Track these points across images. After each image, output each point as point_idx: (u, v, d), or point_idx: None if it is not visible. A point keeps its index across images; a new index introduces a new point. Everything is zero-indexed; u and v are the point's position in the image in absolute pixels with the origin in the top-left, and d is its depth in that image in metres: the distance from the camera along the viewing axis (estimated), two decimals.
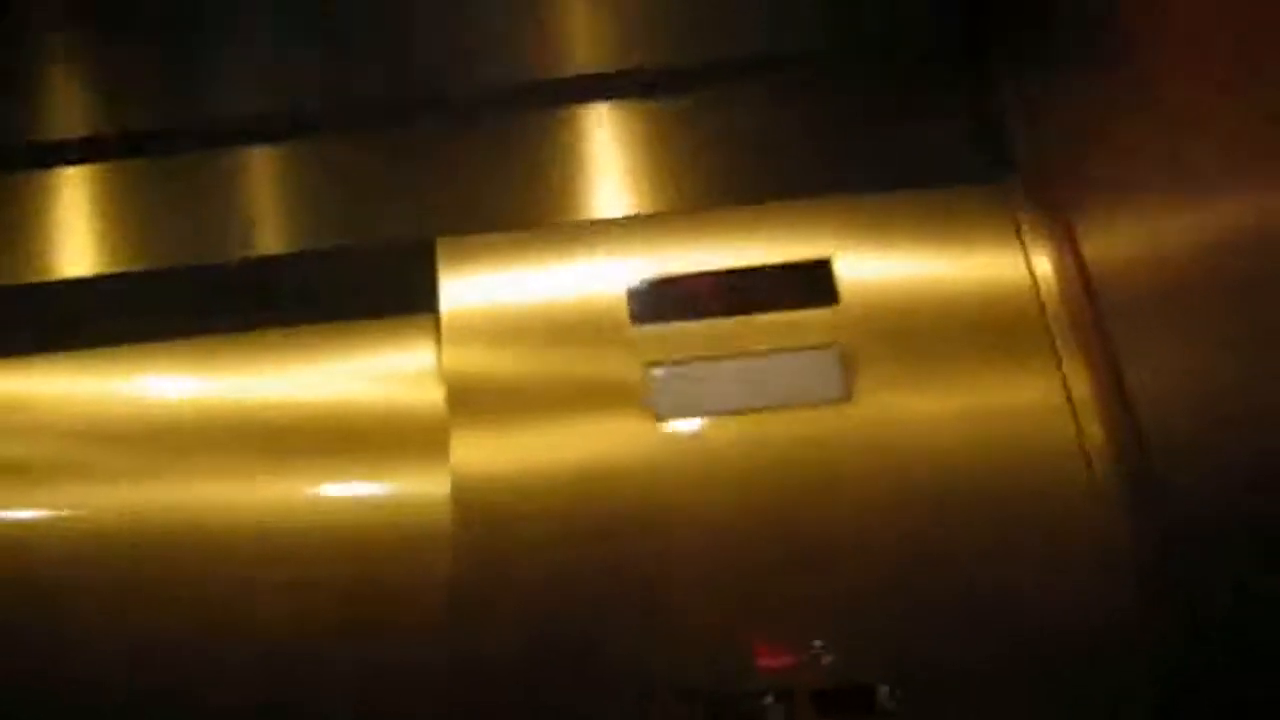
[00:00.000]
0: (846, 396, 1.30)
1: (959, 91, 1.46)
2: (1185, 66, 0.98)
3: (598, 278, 1.39)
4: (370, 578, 1.37)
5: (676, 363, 1.33)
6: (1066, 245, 1.30)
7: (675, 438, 1.29)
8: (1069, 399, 1.27)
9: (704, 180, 1.43)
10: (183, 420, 1.48)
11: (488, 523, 1.27)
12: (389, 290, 1.46)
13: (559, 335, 1.36)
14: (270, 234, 1.45)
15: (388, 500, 1.43)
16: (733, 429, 1.29)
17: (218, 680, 1.35)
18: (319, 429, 1.46)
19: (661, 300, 1.36)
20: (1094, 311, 1.25)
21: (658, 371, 1.33)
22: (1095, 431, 1.25)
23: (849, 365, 1.31)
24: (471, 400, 1.34)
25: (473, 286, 1.40)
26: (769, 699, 1.18)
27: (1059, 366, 1.29)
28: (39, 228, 1.49)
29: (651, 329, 1.35)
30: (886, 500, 1.24)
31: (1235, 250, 0.94)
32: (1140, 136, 1.09)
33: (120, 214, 1.48)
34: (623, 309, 1.36)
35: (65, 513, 1.45)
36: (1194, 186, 0.99)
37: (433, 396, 1.42)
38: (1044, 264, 1.34)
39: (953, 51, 1.46)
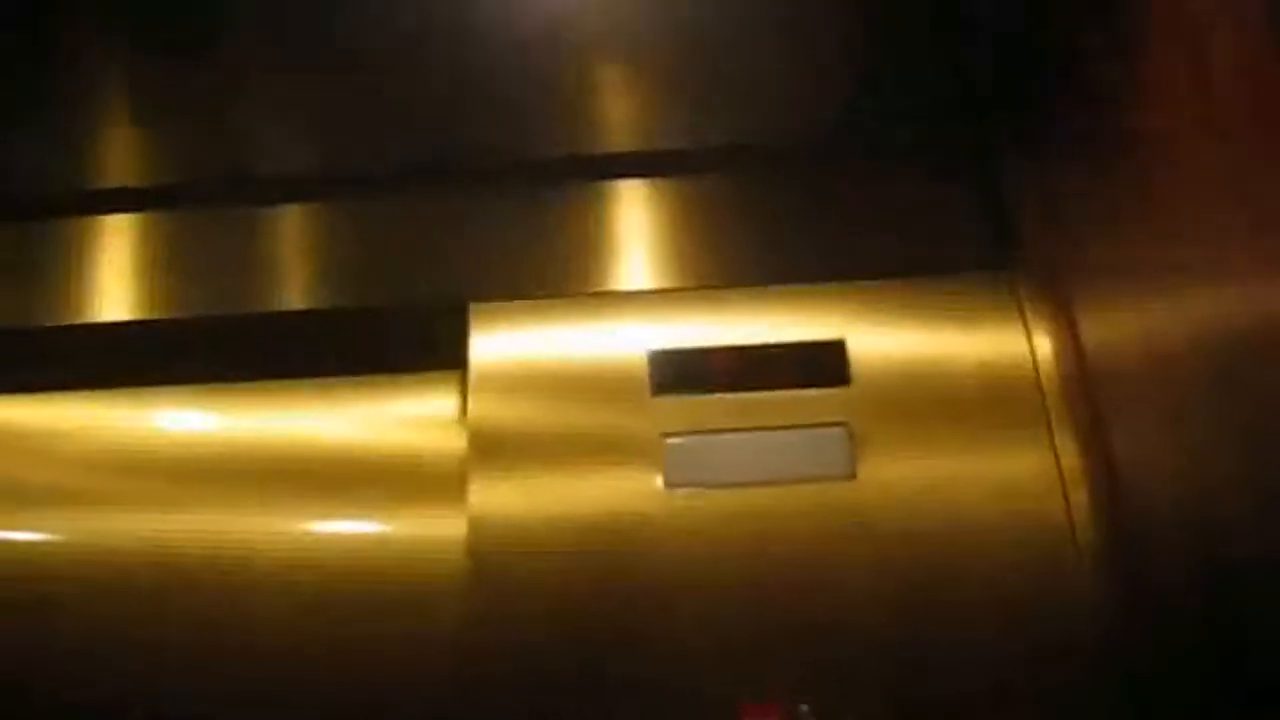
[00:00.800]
0: (852, 474, 1.34)
1: (968, 183, 1.53)
2: (1182, 166, 1.04)
3: (621, 347, 1.44)
4: (387, 610, 1.42)
5: (690, 433, 1.38)
6: (1066, 329, 1.36)
7: (683, 504, 1.34)
8: (1059, 471, 1.33)
9: (723, 260, 1.50)
10: (213, 458, 1.54)
11: (500, 563, 1.32)
12: (421, 347, 1.53)
13: (580, 397, 1.41)
14: (311, 289, 1.51)
15: (407, 538, 1.48)
16: (739, 500, 1.34)
17: (229, 713, 1.39)
18: (345, 472, 1.52)
19: (680, 372, 1.42)
20: (1088, 391, 1.31)
21: (672, 440, 1.38)
22: (1081, 501, 1.31)
23: (857, 444, 1.36)
24: (492, 449, 1.39)
25: (501, 345, 1.46)
26: None
27: (1051, 442, 1.35)
28: (86, 272, 1.56)
29: (669, 399, 1.40)
30: (881, 573, 1.29)
31: (1222, 341, 0.98)
32: (1138, 230, 1.14)
33: (169, 263, 1.55)
34: (643, 378, 1.42)
35: (89, 540, 1.50)
36: (1186, 279, 1.05)
37: (455, 445, 1.47)
38: (1044, 345, 1.41)
39: (962, 145, 1.54)
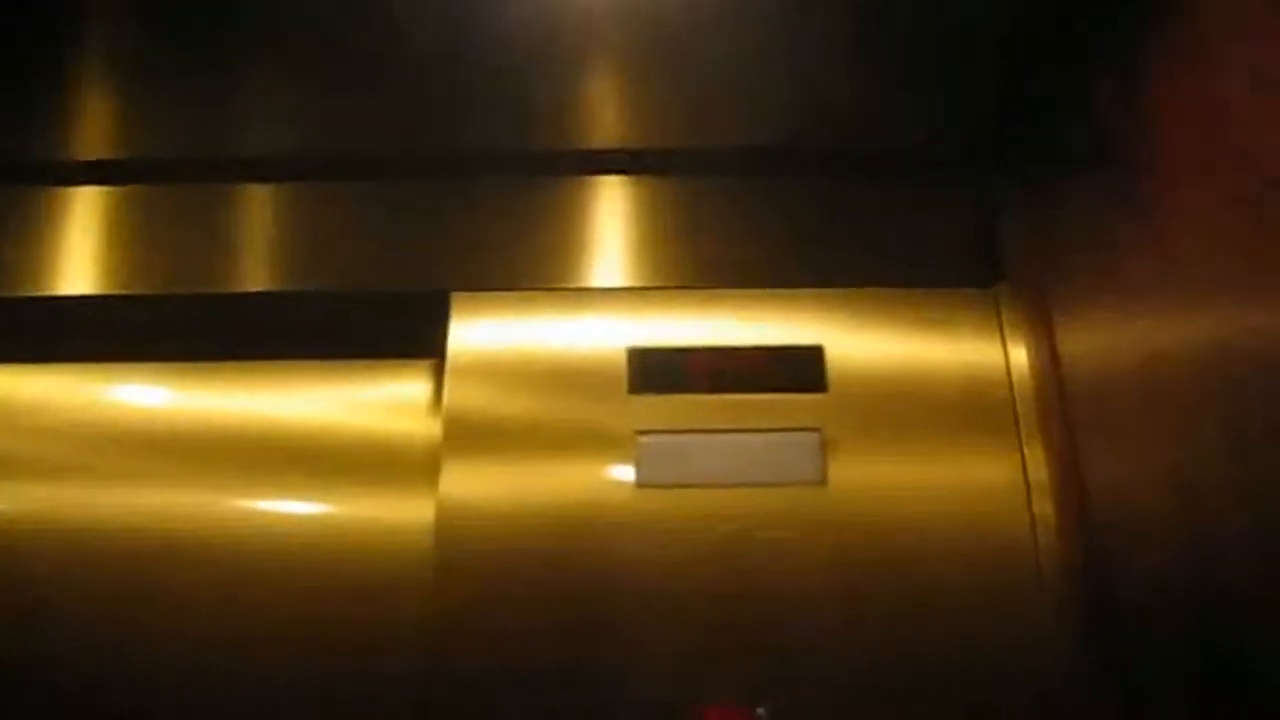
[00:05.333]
0: (823, 480, 1.35)
1: (957, 199, 1.54)
2: (1181, 188, 1.05)
3: (600, 343, 1.45)
4: (355, 590, 1.43)
5: (665, 432, 1.38)
6: (1045, 343, 1.38)
7: (654, 502, 1.35)
8: (1025, 482, 1.36)
9: (705, 261, 1.50)
10: (186, 435, 1.53)
11: (466, 550, 1.33)
12: (401, 334, 1.53)
13: (557, 391, 1.42)
14: (294, 271, 1.51)
15: (377, 521, 1.48)
16: (710, 501, 1.35)
17: (201, 688, 1.39)
18: (318, 453, 1.51)
19: (658, 371, 1.42)
20: (1064, 405, 1.33)
21: (646, 439, 1.38)
22: (1046, 511, 1.34)
23: (830, 450, 1.37)
24: (466, 437, 1.39)
25: (480, 334, 1.46)
26: None
27: (1021, 454, 1.37)
28: (77, 245, 1.55)
29: (646, 398, 1.41)
30: (845, 578, 1.31)
31: (1214, 357, 1.00)
32: (1128, 246, 1.16)
33: (149, 238, 1.54)
34: (621, 376, 1.42)
35: (67, 516, 1.49)
36: (1177, 296, 1.06)
37: (429, 432, 1.47)
38: (1020, 358, 1.43)
39: (954, 161, 1.55)
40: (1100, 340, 1.27)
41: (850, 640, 1.27)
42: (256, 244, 1.54)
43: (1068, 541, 1.31)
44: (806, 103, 1.47)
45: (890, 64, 1.40)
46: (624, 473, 1.36)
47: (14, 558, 1.47)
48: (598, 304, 1.48)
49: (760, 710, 1.22)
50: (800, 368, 1.42)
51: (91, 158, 1.56)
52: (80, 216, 1.57)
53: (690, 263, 1.50)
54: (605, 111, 1.49)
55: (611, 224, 1.54)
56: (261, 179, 1.57)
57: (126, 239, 1.55)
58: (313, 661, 1.40)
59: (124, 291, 1.50)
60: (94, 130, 1.52)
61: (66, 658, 1.42)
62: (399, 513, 1.46)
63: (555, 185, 1.55)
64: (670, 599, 1.30)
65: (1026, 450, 1.37)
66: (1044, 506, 1.34)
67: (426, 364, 1.55)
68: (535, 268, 1.51)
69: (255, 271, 1.52)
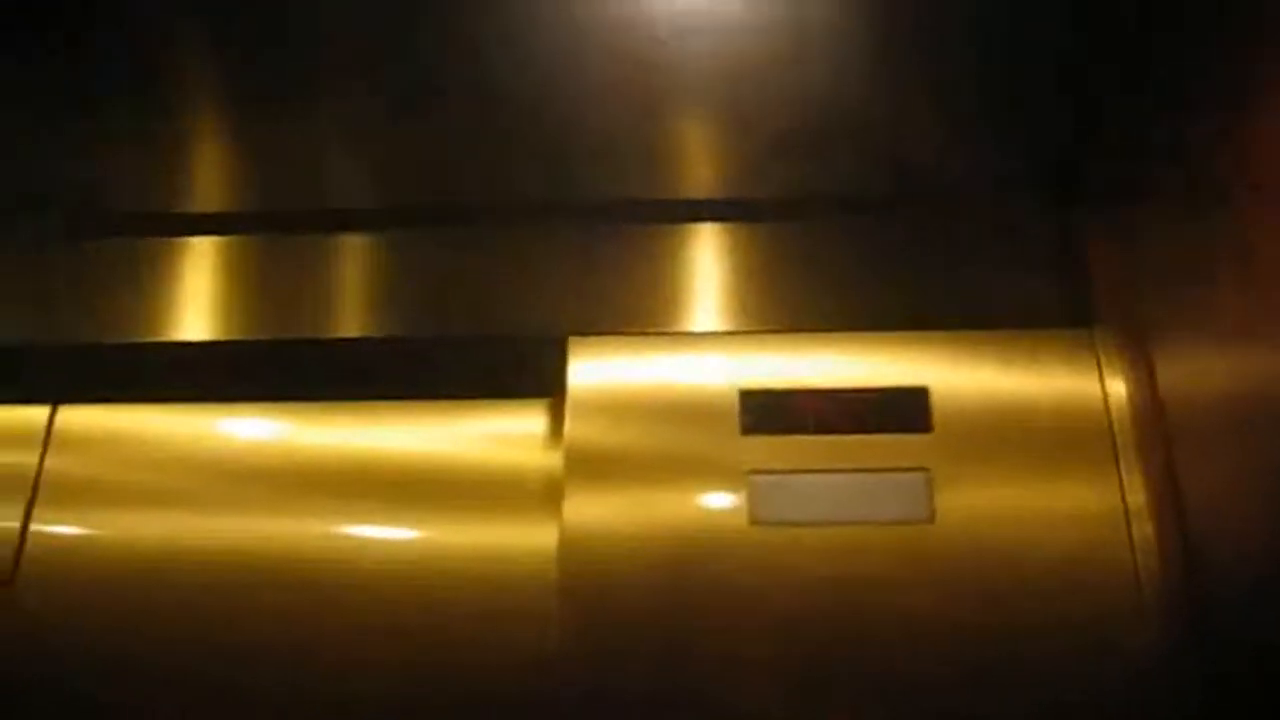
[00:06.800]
0: (930, 518, 1.41)
1: (1046, 239, 1.59)
2: (1275, 220, 1.08)
3: (713, 384, 1.51)
4: (480, 616, 1.52)
5: (776, 472, 1.45)
6: (1143, 376, 1.41)
7: (767, 539, 1.40)
8: (1124, 508, 1.40)
9: (812, 305, 1.56)
10: (322, 471, 1.63)
11: (588, 577, 1.40)
12: (521, 376, 1.61)
13: (672, 430, 1.48)
14: (420, 317, 1.60)
15: (501, 549, 1.56)
16: (820, 538, 1.40)
17: (324, 712, 1.48)
18: (447, 486, 1.61)
19: (769, 412, 1.48)
20: (1159, 434, 1.36)
21: (758, 478, 1.44)
22: (1147, 536, 1.37)
23: (936, 488, 1.42)
24: (586, 470, 1.46)
25: (598, 374, 1.53)
26: None
27: (1119, 481, 1.41)
28: (225, 290, 1.66)
29: (757, 439, 1.47)
30: (951, 609, 1.36)
31: None
32: (1227, 281, 1.19)
33: (299, 285, 1.65)
34: (734, 417, 1.48)
35: (191, 545, 1.58)
36: (1273, 326, 1.09)
37: (550, 466, 1.56)
38: (1118, 392, 1.46)
39: (1047, 203, 1.59)
40: (1196, 371, 1.30)
41: (956, 671, 1.32)
42: (383, 292, 1.63)
43: (1168, 566, 1.34)
44: (901, 148, 1.52)
45: (977, 104, 1.45)
46: (738, 510, 1.42)
47: (148, 586, 1.56)
48: (708, 346, 1.54)
49: None
50: (906, 408, 1.47)
51: (249, 209, 1.67)
52: (249, 265, 1.67)
53: (792, 306, 1.56)
54: (711, 161, 1.56)
55: (715, 269, 1.61)
56: (383, 229, 1.66)
57: (256, 287, 1.65)
58: (439, 688, 1.48)
59: (275, 336, 1.60)
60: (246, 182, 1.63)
61: (192, 679, 1.51)
62: (521, 540, 1.54)
63: (660, 233, 1.62)
64: (783, 629, 1.36)
65: (1125, 480, 1.41)
66: (1144, 531, 1.37)
67: (548, 403, 1.63)
68: (642, 312, 1.57)
69: (383, 318, 1.61)
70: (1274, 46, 1.08)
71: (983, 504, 1.41)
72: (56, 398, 1.70)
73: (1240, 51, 1.14)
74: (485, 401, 1.66)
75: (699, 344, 1.54)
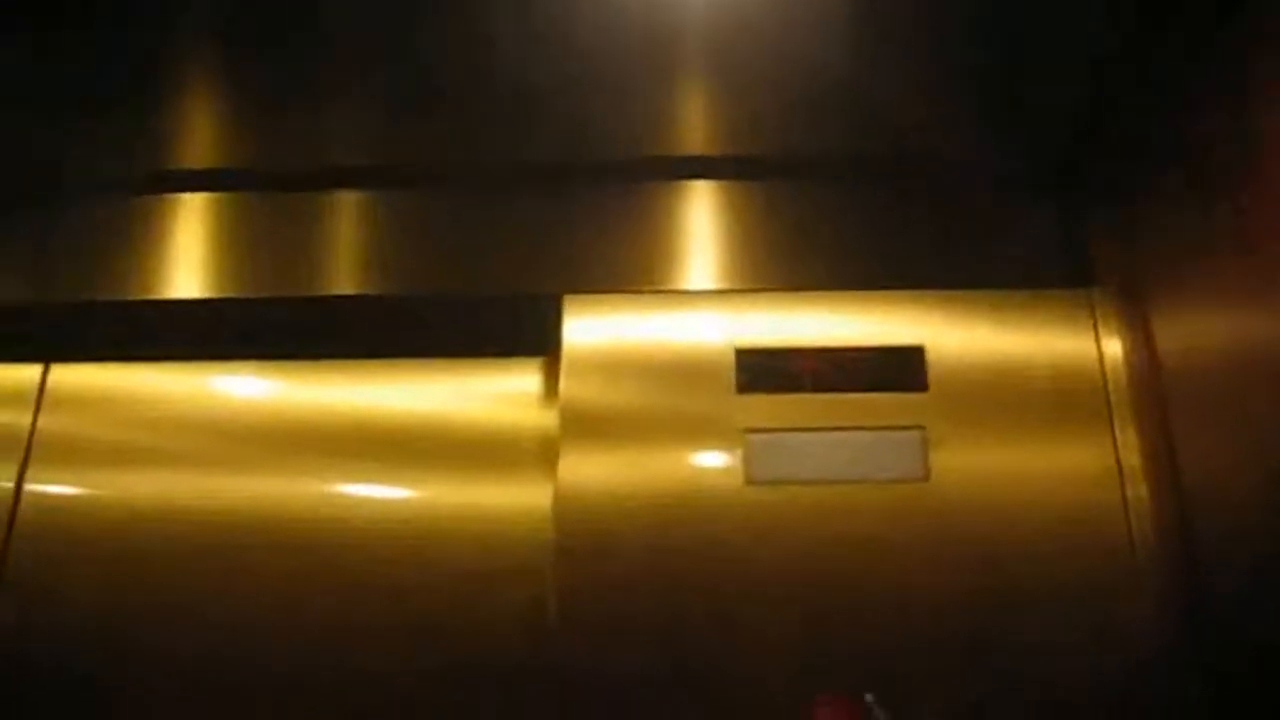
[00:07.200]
0: (925, 476, 1.41)
1: (1046, 204, 1.59)
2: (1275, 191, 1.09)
3: (709, 343, 1.50)
4: (475, 575, 1.53)
5: (772, 430, 1.45)
6: (1140, 339, 1.43)
7: (762, 497, 1.41)
8: (1119, 467, 1.40)
9: (809, 263, 1.56)
10: (316, 429, 1.63)
11: (585, 530, 1.40)
12: (516, 333, 1.61)
13: (668, 388, 1.48)
14: (416, 276, 1.60)
15: (496, 507, 1.57)
16: (816, 496, 1.40)
17: (325, 674, 1.48)
18: (441, 443, 1.61)
19: (765, 371, 1.48)
20: (1154, 396, 1.38)
21: (754, 437, 1.44)
22: (1141, 496, 1.38)
23: (931, 447, 1.42)
24: (581, 428, 1.46)
25: (593, 332, 1.52)
26: None
27: (1114, 442, 1.42)
28: (220, 248, 1.66)
29: (753, 398, 1.47)
30: (947, 568, 1.36)
31: None
32: (1225, 248, 1.19)
33: (292, 243, 1.64)
34: (730, 376, 1.48)
35: (188, 504, 1.58)
36: (1269, 291, 1.10)
37: (545, 424, 1.55)
38: (1113, 351, 1.47)
39: (1051, 169, 1.59)
40: (1192, 334, 1.31)
41: (950, 629, 1.33)
42: (380, 251, 1.63)
43: (1163, 528, 1.35)
44: (905, 111, 1.51)
45: (983, 74, 1.44)
46: (733, 468, 1.42)
47: (143, 545, 1.56)
48: (704, 304, 1.53)
49: (869, 696, 1.29)
50: (902, 367, 1.47)
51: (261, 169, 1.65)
52: (245, 222, 1.67)
53: (790, 265, 1.56)
54: (711, 120, 1.54)
55: (711, 227, 1.61)
56: (383, 188, 1.65)
57: (273, 245, 1.65)
58: (436, 642, 1.49)
59: (271, 294, 1.60)
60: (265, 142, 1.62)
61: (188, 639, 1.51)
62: (517, 499, 1.54)
63: (656, 191, 1.62)
64: (779, 588, 1.36)
65: (1120, 440, 1.41)
66: (1138, 492, 1.38)
67: (543, 361, 1.63)
68: (639, 271, 1.57)
69: (378, 277, 1.61)
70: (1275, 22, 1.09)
71: (977, 463, 1.41)
72: (49, 356, 1.69)
73: (1244, 30, 1.14)
74: (480, 360, 1.66)
75: (695, 302, 1.53)
